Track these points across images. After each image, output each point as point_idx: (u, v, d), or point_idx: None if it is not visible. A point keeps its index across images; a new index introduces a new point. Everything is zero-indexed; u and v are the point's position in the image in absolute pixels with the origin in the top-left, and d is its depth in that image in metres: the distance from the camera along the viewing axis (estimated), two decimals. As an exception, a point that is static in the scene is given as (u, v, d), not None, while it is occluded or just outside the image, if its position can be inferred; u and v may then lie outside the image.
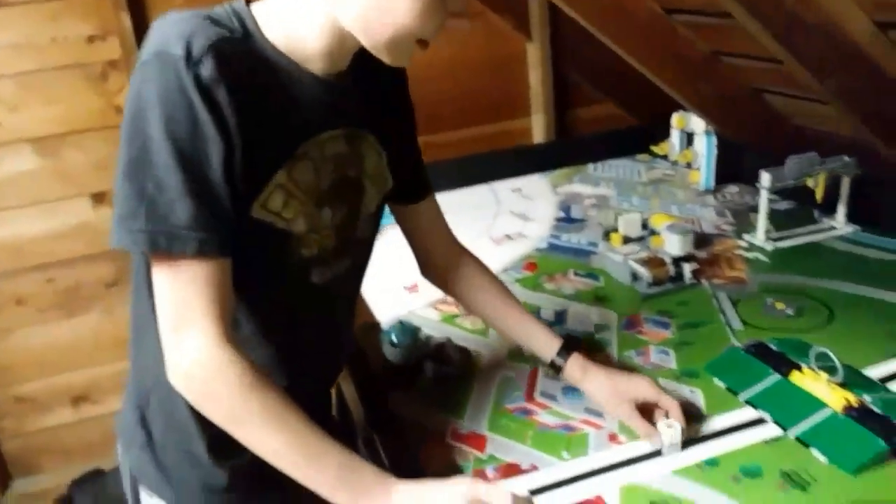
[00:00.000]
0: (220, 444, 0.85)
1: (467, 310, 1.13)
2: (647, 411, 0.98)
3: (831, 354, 1.00)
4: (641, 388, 0.98)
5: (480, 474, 0.95)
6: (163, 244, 0.72)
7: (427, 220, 1.08)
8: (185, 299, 0.75)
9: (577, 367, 1.03)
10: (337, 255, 0.89)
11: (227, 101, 0.72)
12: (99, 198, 2.09)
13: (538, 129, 2.30)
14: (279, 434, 0.76)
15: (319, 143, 0.83)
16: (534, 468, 0.96)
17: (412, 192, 1.04)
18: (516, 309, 1.07)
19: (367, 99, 0.89)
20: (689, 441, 0.97)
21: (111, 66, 2.01)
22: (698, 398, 1.06)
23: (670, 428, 0.94)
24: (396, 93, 0.97)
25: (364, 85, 0.88)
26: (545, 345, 1.05)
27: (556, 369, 1.05)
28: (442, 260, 1.09)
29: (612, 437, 1.00)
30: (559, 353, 1.04)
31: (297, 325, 0.91)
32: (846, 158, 1.49)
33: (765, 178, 1.46)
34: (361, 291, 1.07)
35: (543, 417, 1.05)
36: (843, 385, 1.01)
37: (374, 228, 0.97)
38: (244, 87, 0.74)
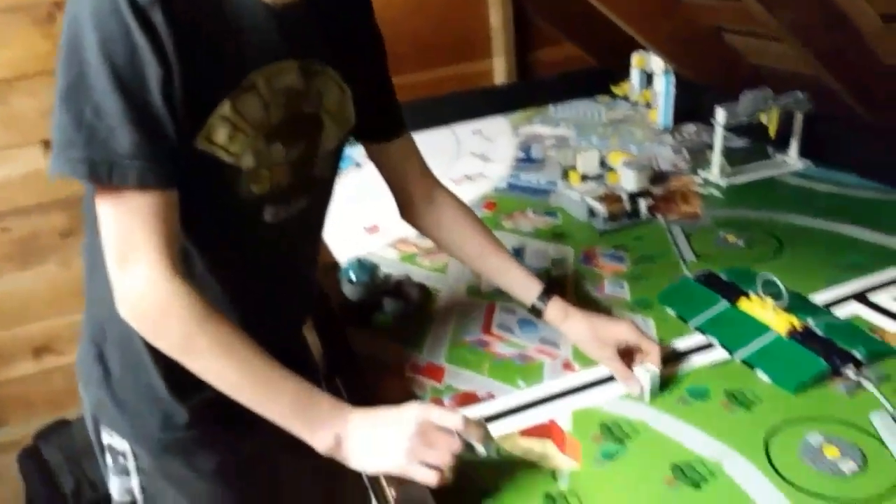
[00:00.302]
0: (180, 379, 0.84)
1: (447, 252, 1.09)
2: (628, 354, 0.97)
3: (777, 281, 1.03)
4: (622, 332, 0.97)
5: (437, 403, 0.97)
6: (103, 173, 0.70)
7: (400, 160, 1.03)
8: (128, 231, 0.73)
9: (558, 311, 1.01)
10: (293, 193, 0.87)
11: (164, 25, 0.69)
12: (50, 145, 2.04)
13: (499, 71, 2.28)
14: (231, 365, 0.76)
15: (268, 74, 0.79)
16: (490, 396, 0.98)
17: (382, 129, 1.00)
18: (496, 251, 1.04)
19: (326, 31, 0.86)
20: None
21: (57, 7, 1.94)
22: (650, 326, 1.09)
23: (648, 373, 0.93)
24: (360, 25, 0.93)
25: (324, 16, 0.85)
26: (525, 288, 1.02)
27: (536, 313, 1.02)
28: (418, 201, 1.05)
29: (567, 365, 1.03)
30: (540, 297, 1.01)
31: (252, 264, 0.89)
32: (799, 94, 1.51)
33: (720, 114, 1.48)
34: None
35: (500, 348, 1.07)
36: (788, 310, 1.04)
37: (333, 167, 0.94)
38: (184, 12, 0.71)
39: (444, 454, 0.76)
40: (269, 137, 0.80)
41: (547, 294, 1.01)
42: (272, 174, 0.83)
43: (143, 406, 0.90)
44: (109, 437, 0.94)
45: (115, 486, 0.95)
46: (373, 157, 1.04)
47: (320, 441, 0.77)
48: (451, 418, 0.77)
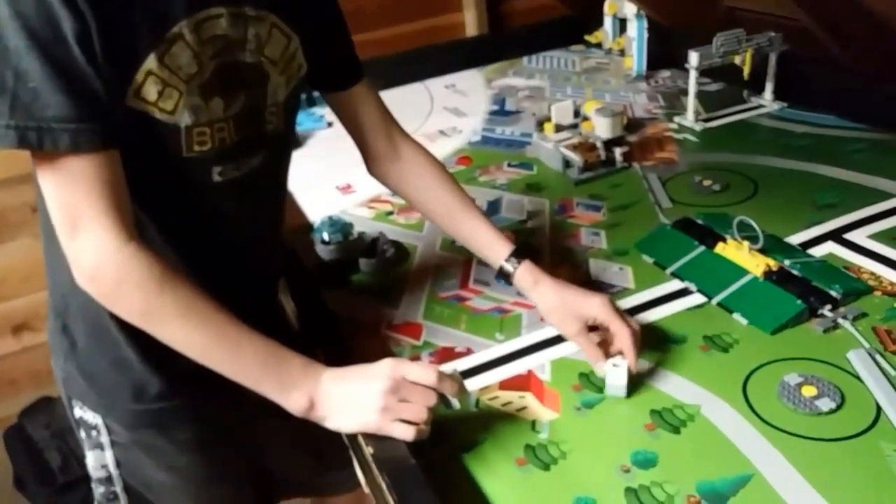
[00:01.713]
0: (151, 348, 0.82)
1: (414, 208, 1.05)
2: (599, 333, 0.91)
3: (752, 222, 1.03)
4: (593, 308, 0.88)
5: (416, 360, 0.96)
6: (32, 140, 0.67)
7: (361, 110, 0.98)
8: (72, 198, 0.70)
9: (527, 276, 0.94)
10: (242, 150, 0.82)
11: None
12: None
13: (470, 23, 2.23)
14: (196, 329, 0.74)
15: (194, 23, 0.73)
16: (469, 351, 0.98)
17: (336, 76, 0.96)
18: (464, 209, 0.99)
19: None
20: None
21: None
22: (627, 274, 1.08)
23: (616, 367, 0.85)
24: None
25: None
26: (494, 249, 0.97)
27: (505, 276, 0.97)
28: (381, 154, 1.00)
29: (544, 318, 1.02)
30: (508, 259, 0.96)
31: (207, 227, 0.85)
32: (772, 34, 1.49)
33: (693, 57, 1.46)
34: (291, 191, 1.02)
35: (477, 302, 1.06)
36: (764, 252, 1.03)
37: (287, 119, 0.89)
38: None
39: (418, 409, 0.76)
40: (205, 91, 0.75)
41: (517, 257, 0.96)
42: (214, 131, 0.78)
43: (112, 378, 0.87)
44: (81, 412, 0.92)
45: (90, 460, 0.94)
46: (333, 107, 1.00)
47: (294, 403, 0.76)
48: (425, 373, 0.76)
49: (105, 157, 0.70)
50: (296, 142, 1.64)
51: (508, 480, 0.78)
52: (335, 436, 0.81)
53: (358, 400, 0.76)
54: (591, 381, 0.89)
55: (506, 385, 0.91)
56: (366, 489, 0.85)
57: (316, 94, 1.81)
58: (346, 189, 1.45)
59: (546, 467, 0.79)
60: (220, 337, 0.75)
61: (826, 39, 1.49)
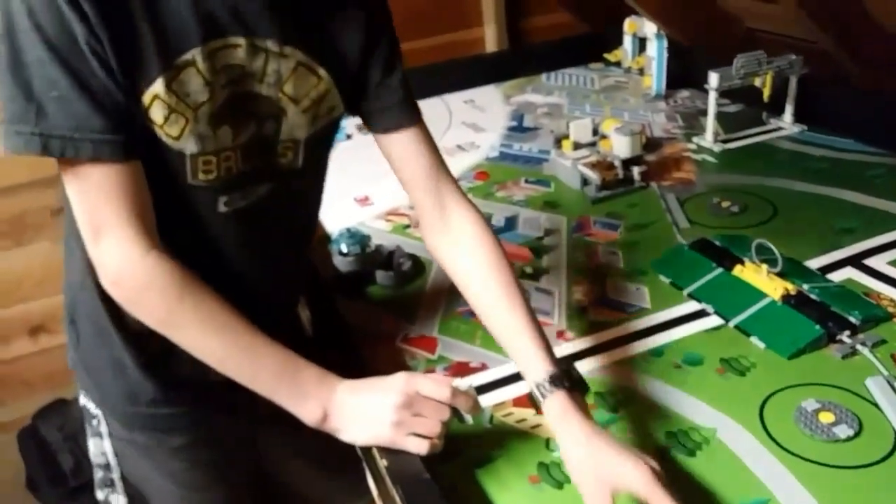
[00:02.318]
0: (147, 354, 0.84)
1: (454, 281, 0.92)
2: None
3: (770, 245, 1.02)
4: (631, 479, 0.69)
5: (430, 373, 0.96)
6: (55, 148, 0.68)
7: (407, 159, 0.89)
8: (95, 206, 0.71)
9: (557, 411, 0.76)
10: (250, 179, 0.80)
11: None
12: (37, 122, 2.02)
13: (490, 39, 2.24)
14: (215, 337, 0.75)
15: (210, 52, 0.72)
16: (483, 367, 0.98)
17: (381, 120, 0.89)
18: (508, 303, 0.84)
19: (299, 11, 0.77)
20: (633, 335, 0.99)
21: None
22: (644, 294, 1.08)
23: None
24: (345, 7, 0.82)
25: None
26: (530, 364, 0.80)
27: (534, 404, 0.80)
28: (428, 214, 0.91)
29: (560, 334, 1.02)
30: (541, 385, 0.78)
31: (216, 254, 0.83)
32: (793, 56, 1.49)
33: (713, 78, 1.46)
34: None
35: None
36: (782, 275, 1.03)
37: (310, 156, 0.85)
38: None
39: (432, 423, 0.76)
40: (214, 120, 0.74)
41: (554, 383, 0.78)
42: (220, 160, 0.76)
43: (109, 377, 0.88)
44: (85, 400, 0.94)
45: (91, 446, 0.96)
46: (380, 148, 0.92)
47: (308, 413, 0.77)
48: (438, 388, 0.76)
49: (127, 167, 0.71)
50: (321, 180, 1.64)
51: (521, 498, 0.78)
52: (338, 446, 0.80)
53: (371, 413, 0.76)
54: (605, 401, 0.89)
55: (520, 402, 0.91)
56: (378, 502, 0.85)
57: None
58: (364, 201, 1.46)
59: (559, 486, 0.79)
60: (238, 345, 0.76)
61: (846, 62, 1.49)
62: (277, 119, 0.80)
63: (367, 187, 1.49)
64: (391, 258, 1.19)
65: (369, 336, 1.06)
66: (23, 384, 2.30)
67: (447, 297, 1.12)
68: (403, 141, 0.89)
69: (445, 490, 0.74)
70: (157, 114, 0.71)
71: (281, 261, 0.92)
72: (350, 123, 1.81)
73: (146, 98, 0.70)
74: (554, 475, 0.80)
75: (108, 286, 0.75)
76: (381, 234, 1.31)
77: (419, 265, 1.21)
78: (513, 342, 0.83)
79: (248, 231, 0.84)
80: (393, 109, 0.88)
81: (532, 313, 0.84)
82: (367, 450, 0.81)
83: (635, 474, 0.69)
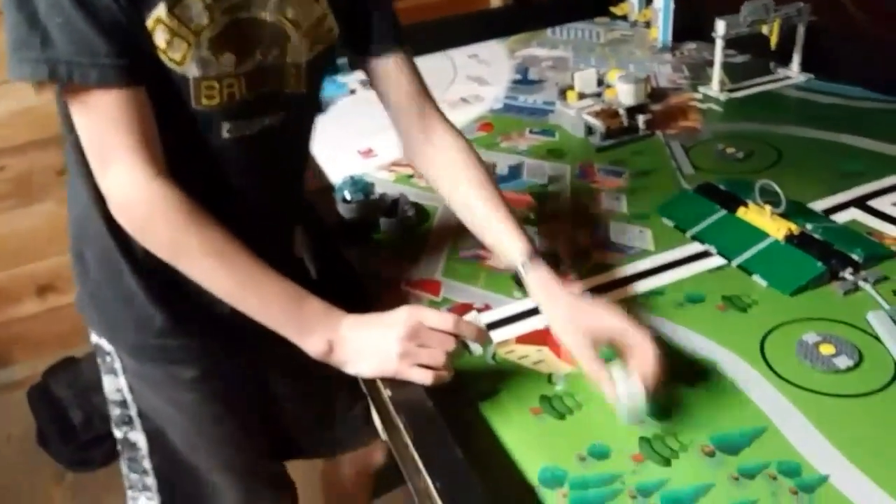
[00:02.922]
0: (157, 283, 0.86)
1: (442, 198, 0.98)
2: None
3: (775, 186, 1.02)
4: (605, 320, 0.78)
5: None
6: (62, 73, 0.69)
7: (394, 81, 0.93)
8: (102, 132, 0.73)
9: (538, 282, 0.85)
10: (257, 108, 0.82)
11: None
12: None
13: (495, -6, 2.23)
14: (221, 268, 0.76)
15: None
16: (487, 307, 0.98)
17: (368, 41, 0.92)
18: (486, 201, 0.91)
19: None
20: (635, 276, 0.99)
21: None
22: (647, 236, 1.08)
23: (628, 385, 0.73)
24: None
25: None
26: (510, 248, 0.88)
27: (517, 282, 0.89)
28: (411, 132, 0.95)
29: (564, 275, 1.02)
30: (524, 260, 0.86)
31: (215, 182, 0.84)
32: (800, 4, 1.47)
33: (720, 25, 1.44)
34: (312, 154, 1.03)
35: (495, 261, 1.07)
36: (785, 216, 1.03)
37: (311, 81, 0.88)
38: None
39: (437, 354, 0.77)
40: (215, 45, 0.75)
41: (534, 260, 0.86)
42: (223, 86, 0.78)
43: (118, 308, 0.89)
44: (97, 338, 0.96)
45: (106, 384, 0.98)
46: (367, 74, 0.96)
47: (312, 346, 0.78)
48: (442, 318, 0.78)
49: (132, 93, 0.72)
50: (319, 106, 1.64)
51: (524, 428, 0.79)
52: (343, 387, 0.81)
53: (376, 345, 0.78)
54: (607, 337, 0.90)
55: (523, 340, 0.91)
56: (383, 436, 0.86)
57: (341, 61, 1.83)
58: (368, 153, 1.45)
59: (561, 416, 0.79)
60: (244, 277, 0.77)
61: (854, 9, 1.47)
62: (282, 45, 0.81)
63: (370, 140, 1.49)
64: (395, 206, 1.19)
65: (373, 280, 1.07)
66: (32, 343, 2.33)
67: (450, 243, 1.12)
68: (390, 65, 0.93)
69: (449, 422, 0.75)
70: (160, 38, 0.72)
71: (280, 188, 0.94)
72: (353, 78, 1.80)
73: (150, 22, 0.71)
74: (556, 406, 0.81)
75: (115, 213, 0.76)
76: (385, 184, 1.31)
77: (423, 213, 1.21)
78: (494, 230, 0.90)
79: (251, 158, 0.85)
80: (380, 34, 0.92)
81: (508, 206, 0.91)
82: (371, 382, 0.82)
83: (610, 317, 0.79)
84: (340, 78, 1.80)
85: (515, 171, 1.32)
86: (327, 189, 1.28)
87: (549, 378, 0.85)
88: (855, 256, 0.95)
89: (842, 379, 0.80)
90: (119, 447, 1.02)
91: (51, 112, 2.17)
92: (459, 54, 1.95)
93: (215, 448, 1.01)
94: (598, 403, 0.80)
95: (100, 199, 0.78)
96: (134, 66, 0.72)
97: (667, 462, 0.73)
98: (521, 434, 0.78)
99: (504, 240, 0.89)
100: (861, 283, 0.92)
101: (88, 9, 0.68)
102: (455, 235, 1.14)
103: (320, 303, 0.80)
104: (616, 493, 0.70)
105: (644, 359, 0.75)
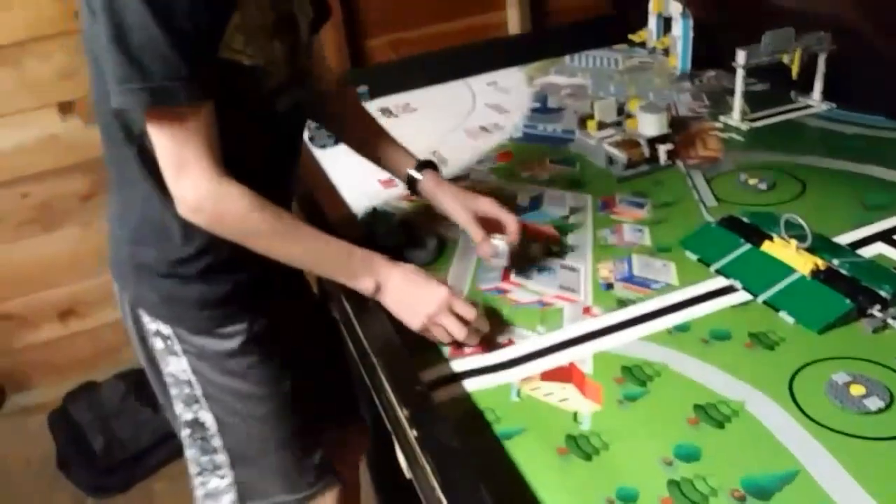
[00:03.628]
0: (214, 265, 1.01)
1: (345, 143, 1.25)
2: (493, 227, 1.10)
3: (800, 219, 1.01)
4: (485, 203, 1.11)
5: (459, 350, 0.97)
6: (161, 99, 0.82)
7: (321, 53, 1.18)
8: (181, 145, 0.86)
9: (431, 182, 1.14)
10: (292, 83, 1.00)
11: None
12: (66, 108, 2.05)
13: (513, 21, 2.24)
14: (286, 239, 0.94)
15: None
16: (510, 342, 0.98)
17: (320, 17, 1.11)
18: (377, 134, 1.20)
19: None
20: (659, 311, 0.99)
21: (65, -31, 1.93)
22: (671, 271, 1.08)
23: (499, 241, 1.07)
24: None
25: None
26: (402, 163, 1.17)
27: (411, 183, 1.16)
28: (336, 99, 1.20)
29: (587, 310, 1.02)
30: (415, 169, 1.15)
31: (268, 154, 1.03)
32: (822, 33, 1.47)
33: (740, 55, 1.44)
34: (334, 183, 1.22)
35: (518, 295, 1.07)
36: (811, 250, 1.02)
37: (310, 57, 1.08)
38: None
39: (454, 330, 0.95)
40: (269, 37, 0.93)
41: (421, 168, 1.15)
42: (276, 69, 0.95)
43: (179, 290, 1.02)
44: (155, 325, 1.06)
45: (171, 366, 1.07)
46: None
47: (362, 286, 0.98)
48: (468, 310, 0.95)
49: (207, 106, 0.87)
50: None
51: (550, 469, 0.78)
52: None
53: (411, 304, 0.97)
54: (633, 375, 0.89)
55: (547, 376, 0.91)
56: (407, 474, 0.86)
57: (361, 89, 1.84)
58: (389, 183, 1.45)
59: (588, 457, 0.79)
60: (305, 244, 0.96)
61: (875, 39, 1.46)
62: (296, 30, 1.00)
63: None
64: (416, 237, 1.19)
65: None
66: (53, 367, 2.35)
67: (472, 276, 1.12)
68: (317, 43, 1.13)
69: (476, 462, 0.74)
70: (238, 40, 0.89)
71: (298, 154, 1.13)
72: (373, 107, 1.81)
73: (230, 29, 0.87)
74: (582, 447, 0.80)
75: (189, 213, 0.91)
76: (406, 215, 1.32)
77: (443, 244, 1.21)
78: (386, 154, 1.18)
79: (292, 126, 1.08)
80: (321, 16, 1.11)
81: (391, 137, 1.20)
82: (396, 421, 0.82)
83: (486, 201, 1.11)
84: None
85: (536, 202, 1.32)
86: (349, 220, 1.29)
87: (575, 416, 0.85)
88: (883, 293, 0.94)
89: (873, 420, 0.79)
90: (187, 431, 1.12)
91: (73, 140, 2.21)
92: (478, 82, 1.96)
93: (277, 415, 1.11)
94: (625, 444, 0.80)
95: (170, 201, 0.91)
96: (207, 82, 0.85)
97: (696, 507, 0.72)
98: (547, 476, 0.77)
99: (396, 156, 1.18)
100: (890, 321, 0.91)
101: (177, 40, 0.81)
102: (477, 268, 1.14)
103: (363, 252, 0.99)
104: (645, 538, 0.69)
105: (511, 226, 1.09)
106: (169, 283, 1.02)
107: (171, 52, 0.81)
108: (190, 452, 1.13)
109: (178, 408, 1.10)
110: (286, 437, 1.13)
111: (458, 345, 0.97)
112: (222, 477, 1.13)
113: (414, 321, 0.96)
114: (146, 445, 2.02)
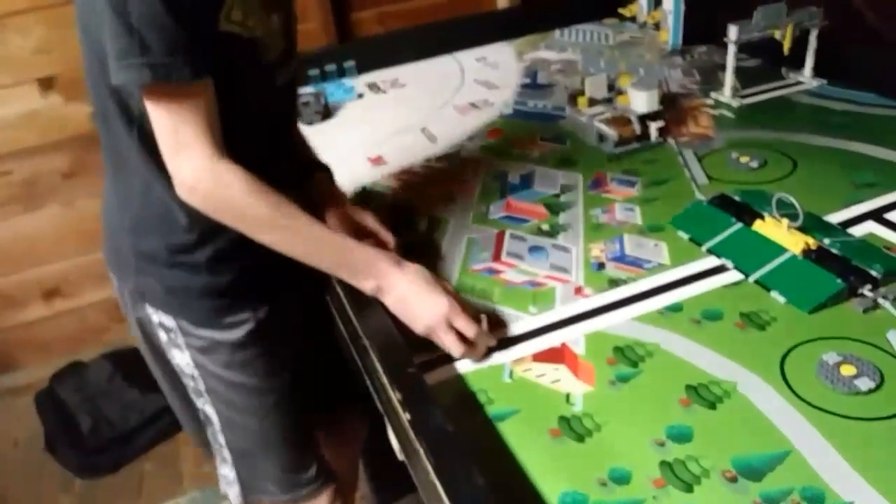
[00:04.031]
0: (219, 252, 0.99)
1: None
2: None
3: (792, 199, 1.01)
4: (365, 218, 1.10)
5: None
6: (162, 75, 0.80)
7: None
8: (179, 123, 0.84)
9: (318, 184, 1.14)
10: (288, 56, 0.99)
11: None
12: (46, 83, 2.00)
13: (502, -5, 2.21)
14: (284, 228, 0.90)
15: None
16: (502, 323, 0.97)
17: None
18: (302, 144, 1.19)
19: None
20: (651, 291, 0.99)
21: (43, -59, 1.88)
22: (662, 250, 1.07)
23: None
24: None
25: None
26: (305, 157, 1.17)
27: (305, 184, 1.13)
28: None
29: (578, 290, 1.02)
30: (315, 164, 1.16)
31: (268, 127, 1.02)
32: (813, 8, 1.46)
33: (732, 30, 1.43)
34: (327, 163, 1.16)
35: (510, 275, 1.06)
36: (803, 229, 1.02)
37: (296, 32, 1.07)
38: None
39: (451, 347, 0.90)
40: (267, 10, 0.91)
41: (312, 173, 1.14)
42: (274, 41, 0.94)
43: (184, 279, 1.00)
44: (158, 317, 1.04)
45: (176, 358, 1.07)
46: None
47: (363, 286, 0.94)
48: (469, 327, 0.89)
49: (207, 86, 0.85)
50: (326, 112, 1.63)
51: (543, 451, 0.78)
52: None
53: (413, 310, 0.92)
54: (625, 356, 0.89)
55: (539, 357, 0.91)
56: (400, 456, 0.85)
57: (347, 64, 1.82)
58: (378, 161, 1.44)
59: (580, 439, 0.79)
60: (303, 234, 0.92)
61: (868, 14, 1.45)
62: (291, 3, 1.00)
63: (379, 147, 1.48)
64: (407, 216, 1.18)
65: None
66: (39, 347, 2.33)
67: (464, 255, 1.12)
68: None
69: (469, 444, 0.74)
70: (237, 12, 0.86)
71: (290, 137, 1.13)
72: (361, 81, 1.79)
73: (228, 2, 0.84)
74: (575, 428, 0.80)
75: (185, 193, 0.88)
76: (396, 193, 1.30)
77: (434, 223, 1.20)
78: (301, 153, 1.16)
79: (288, 99, 1.08)
80: None
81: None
82: (389, 404, 0.81)
83: (368, 217, 1.10)
84: (347, 81, 1.79)
85: (527, 180, 1.31)
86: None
87: (567, 398, 0.84)
88: (874, 272, 0.94)
89: (863, 401, 0.79)
90: (202, 417, 1.14)
91: (55, 116, 2.18)
92: (467, 57, 1.94)
93: (277, 410, 1.11)
94: (618, 425, 0.80)
95: (162, 182, 0.90)
96: (208, 60, 0.83)
97: (689, 488, 0.72)
98: (540, 457, 0.77)
99: (304, 151, 1.18)
100: (881, 301, 0.92)
101: (177, 11, 0.78)
102: (467, 246, 1.14)
103: (364, 251, 0.95)
104: (638, 520, 0.70)
105: (384, 238, 1.08)
106: (173, 273, 1.00)
107: (171, 25, 0.78)
108: (208, 436, 1.16)
109: (192, 397, 1.11)
110: (285, 434, 1.14)
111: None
112: (230, 469, 1.17)
113: (414, 327, 0.92)
114: (134, 426, 2.01)
